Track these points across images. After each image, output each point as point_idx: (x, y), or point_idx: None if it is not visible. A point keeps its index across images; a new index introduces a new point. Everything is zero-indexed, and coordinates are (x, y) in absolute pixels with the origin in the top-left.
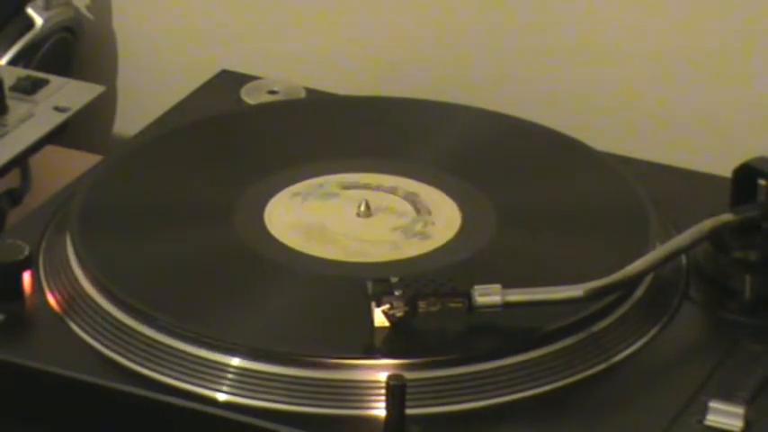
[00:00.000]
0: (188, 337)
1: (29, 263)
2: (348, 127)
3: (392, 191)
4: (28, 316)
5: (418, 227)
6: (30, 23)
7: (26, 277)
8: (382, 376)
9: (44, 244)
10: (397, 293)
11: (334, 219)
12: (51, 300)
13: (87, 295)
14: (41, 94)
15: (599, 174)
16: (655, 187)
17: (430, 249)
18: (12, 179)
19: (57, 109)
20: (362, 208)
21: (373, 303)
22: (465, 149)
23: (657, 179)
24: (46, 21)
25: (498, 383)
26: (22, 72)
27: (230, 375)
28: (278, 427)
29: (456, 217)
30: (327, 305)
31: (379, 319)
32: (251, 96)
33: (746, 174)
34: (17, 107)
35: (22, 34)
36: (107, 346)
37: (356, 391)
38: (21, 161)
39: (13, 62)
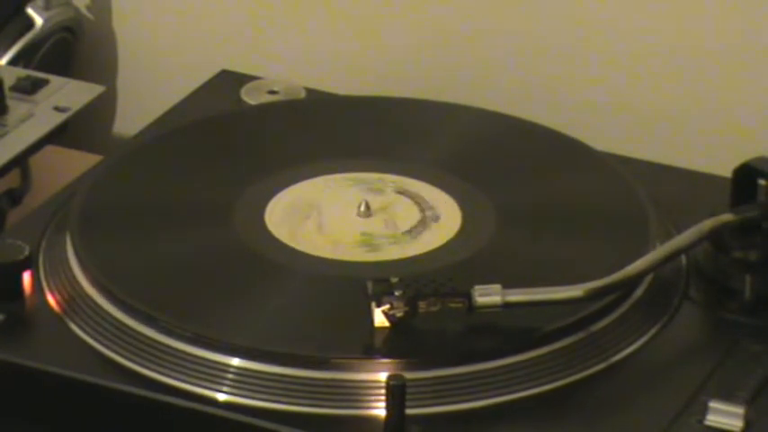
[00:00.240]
0: (188, 337)
1: (29, 263)
2: (348, 127)
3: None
4: (28, 316)
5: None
6: (30, 23)
7: (26, 277)
8: (382, 376)
9: (44, 244)
10: (397, 293)
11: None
12: (51, 300)
13: (87, 295)
14: (41, 94)
15: (599, 174)
16: (655, 187)
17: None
18: (12, 179)
19: (57, 109)
20: (363, 208)
21: (373, 303)
22: (465, 149)
23: (657, 179)
24: (46, 21)
25: (498, 383)
26: (22, 72)
27: (230, 375)
28: (278, 427)
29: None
30: (327, 305)
31: (379, 319)
32: (251, 96)
33: (746, 174)
34: (17, 107)
35: (22, 34)
36: (107, 346)
37: (356, 391)
38: (21, 161)
39: (13, 62)
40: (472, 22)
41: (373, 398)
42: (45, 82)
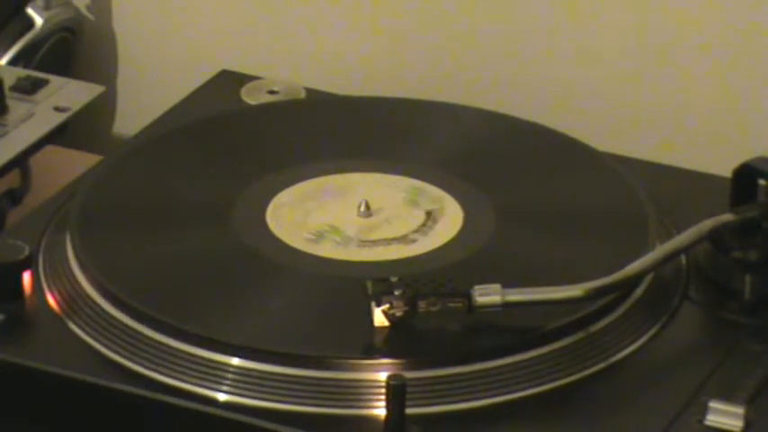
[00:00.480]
0: (188, 337)
1: (29, 263)
2: (348, 127)
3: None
4: (28, 316)
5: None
6: (30, 23)
7: (26, 277)
8: (382, 376)
9: (44, 244)
10: (396, 293)
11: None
12: (51, 300)
13: (87, 295)
14: (41, 94)
15: (599, 174)
16: (655, 187)
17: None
18: (12, 179)
19: (57, 109)
20: (363, 208)
21: (373, 303)
22: (465, 149)
23: (657, 179)
24: (46, 21)
25: (498, 383)
26: (22, 72)
27: (230, 375)
28: (278, 427)
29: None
30: (327, 305)
31: (379, 318)
32: (251, 96)
33: (746, 174)
34: (17, 107)
35: (22, 34)
36: (107, 346)
37: (356, 391)
38: (21, 161)
39: (13, 62)
40: (472, 22)
41: (373, 398)
42: (45, 82)
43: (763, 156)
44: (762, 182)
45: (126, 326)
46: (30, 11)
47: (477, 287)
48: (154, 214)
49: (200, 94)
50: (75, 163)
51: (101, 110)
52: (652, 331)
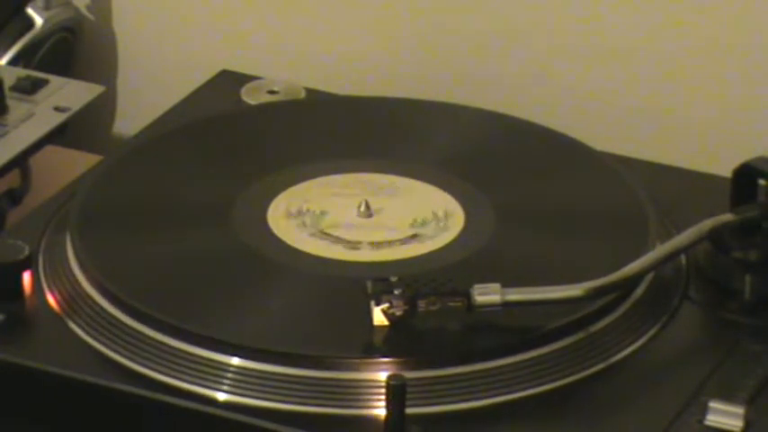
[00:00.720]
0: (188, 336)
1: (29, 263)
2: (348, 127)
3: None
4: (28, 316)
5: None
6: (30, 23)
7: (26, 277)
8: (382, 376)
9: (44, 244)
10: (396, 292)
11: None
12: (51, 300)
13: (87, 295)
14: (41, 94)
15: (599, 174)
16: (655, 187)
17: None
18: (12, 179)
19: (57, 109)
20: (363, 208)
21: (372, 302)
22: (465, 149)
23: (657, 179)
24: (46, 21)
25: (498, 383)
26: (22, 72)
27: (230, 375)
28: (278, 427)
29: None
30: (327, 305)
31: (379, 318)
32: (251, 96)
33: (746, 174)
34: (17, 107)
35: (22, 34)
36: (107, 346)
37: (356, 391)
38: (21, 161)
39: (13, 62)
40: (472, 22)
41: (373, 398)
42: (45, 82)
43: (763, 156)
44: (762, 182)
45: (126, 325)
46: (30, 11)
47: (476, 286)
48: (154, 214)
49: (200, 94)
50: (75, 163)
51: (101, 110)
52: (652, 331)
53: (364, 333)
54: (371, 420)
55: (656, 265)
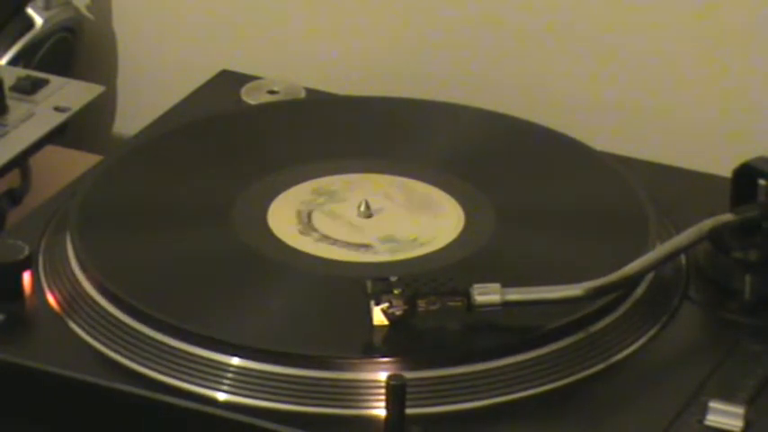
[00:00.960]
0: (188, 336)
1: (29, 263)
2: (348, 127)
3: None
4: (28, 316)
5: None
6: (30, 23)
7: (26, 277)
8: (382, 376)
9: (44, 244)
10: (396, 292)
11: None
12: (51, 300)
13: (87, 295)
14: (41, 94)
15: (599, 174)
16: (655, 187)
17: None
18: (12, 179)
19: (57, 109)
20: (363, 208)
21: (372, 302)
22: (465, 149)
23: (657, 179)
24: (46, 21)
25: (498, 383)
26: (22, 72)
27: (230, 375)
28: (278, 427)
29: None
30: (327, 305)
31: (378, 317)
32: (251, 96)
33: (746, 174)
34: (17, 107)
35: (22, 34)
36: (107, 346)
37: (356, 391)
38: (21, 161)
39: (13, 62)
40: (472, 21)
41: (373, 398)
42: (45, 82)
43: (763, 156)
44: (762, 182)
45: (126, 325)
46: (30, 11)
47: (476, 286)
48: (154, 214)
49: (200, 94)
50: (75, 163)
51: (101, 110)
52: (652, 331)
53: (364, 333)
54: (371, 420)
55: (656, 265)
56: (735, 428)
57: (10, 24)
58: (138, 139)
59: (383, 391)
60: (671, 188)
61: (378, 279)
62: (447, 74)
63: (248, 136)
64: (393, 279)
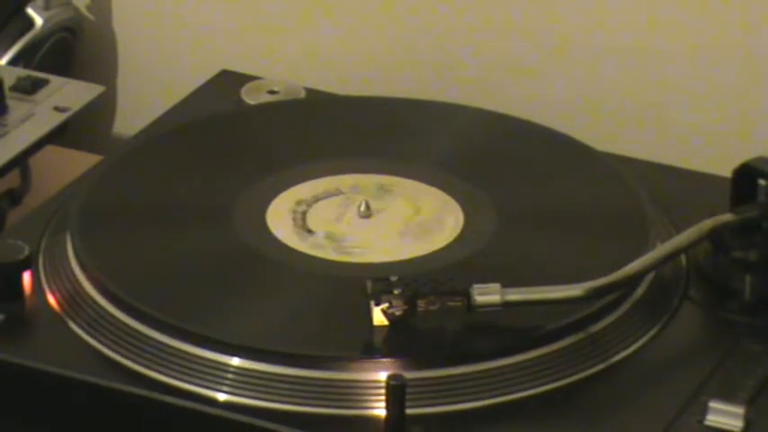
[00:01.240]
0: (188, 337)
1: (29, 263)
2: (348, 127)
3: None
4: (28, 316)
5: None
6: (30, 23)
7: (26, 277)
8: (382, 376)
9: (44, 244)
10: (396, 292)
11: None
12: (51, 300)
13: (87, 295)
14: (41, 94)
15: (599, 174)
16: (655, 187)
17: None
18: (12, 179)
19: (57, 109)
20: (363, 208)
21: (372, 302)
22: (465, 149)
23: (657, 179)
24: (46, 21)
25: (498, 383)
26: (22, 72)
27: (230, 375)
28: (278, 427)
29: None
30: (327, 305)
31: (378, 317)
32: (251, 96)
33: (746, 174)
34: (17, 107)
35: (22, 34)
36: (107, 346)
37: (356, 391)
38: (21, 161)
39: (13, 62)
40: (472, 21)
41: (373, 398)
42: (45, 82)
43: (763, 156)
44: (762, 182)
45: (126, 325)
46: (30, 11)
47: (476, 286)
48: (154, 214)
49: (200, 94)
50: (75, 163)
51: (101, 110)
52: (652, 331)
53: (364, 333)
54: (371, 420)
55: (657, 265)
56: (735, 428)
57: (10, 24)
58: (138, 139)
59: (383, 391)
60: (671, 188)
61: (378, 279)
62: (447, 74)
63: (248, 136)
64: (393, 279)
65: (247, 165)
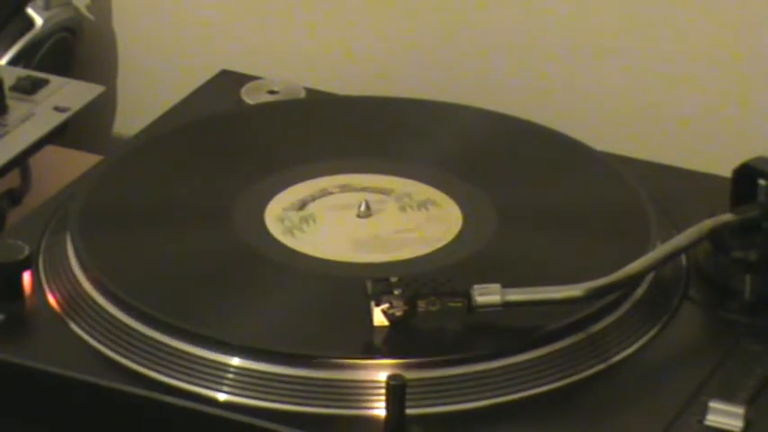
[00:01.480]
0: (188, 337)
1: (29, 263)
2: (348, 127)
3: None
4: (28, 316)
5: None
6: (30, 23)
7: (26, 277)
8: (382, 376)
9: (44, 244)
10: (396, 293)
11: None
12: (51, 300)
13: (87, 295)
14: (41, 94)
15: (599, 174)
16: (655, 187)
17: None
18: (12, 179)
19: (57, 109)
20: (363, 208)
21: (372, 303)
22: (465, 149)
23: (657, 179)
24: (46, 21)
25: (498, 383)
26: (22, 72)
27: (230, 375)
28: (278, 427)
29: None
30: (327, 305)
31: (379, 318)
32: (251, 96)
33: (746, 174)
34: (17, 107)
35: (22, 34)
36: (107, 346)
37: (356, 391)
38: (21, 161)
39: (13, 62)
40: (472, 21)
41: (373, 398)
42: (45, 82)
43: (763, 156)
44: (762, 182)
45: (126, 325)
46: (30, 11)
47: (476, 287)
48: (154, 214)
49: (200, 94)
50: (75, 163)
51: (101, 110)
52: (652, 331)
53: (364, 333)
54: (371, 420)
55: (657, 265)
56: (735, 428)
57: (10, 24)
58: (138, 139)
59: (383, 391)
60: (671, 188)
61: (378, 279)
62: (447, 74)
63: (248, 136)
64: (393, 279)
65: (247, 165)
